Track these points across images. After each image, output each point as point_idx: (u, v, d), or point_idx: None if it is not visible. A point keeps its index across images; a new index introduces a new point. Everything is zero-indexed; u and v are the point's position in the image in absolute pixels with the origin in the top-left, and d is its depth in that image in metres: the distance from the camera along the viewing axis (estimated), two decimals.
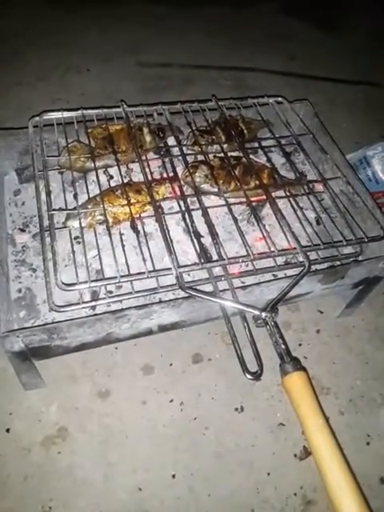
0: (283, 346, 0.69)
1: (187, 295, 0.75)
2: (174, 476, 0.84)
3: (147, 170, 0.90)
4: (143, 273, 0.75)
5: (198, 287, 0.77)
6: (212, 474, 0.85)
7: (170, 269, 0.75)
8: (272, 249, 0.82)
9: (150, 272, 0.75)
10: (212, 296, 0.76)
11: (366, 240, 0.85)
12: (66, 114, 0.96)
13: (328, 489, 0.57)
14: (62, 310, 0.71)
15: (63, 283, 0.72)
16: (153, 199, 0.84)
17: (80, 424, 0.87)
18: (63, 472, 0.82)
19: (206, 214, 0.88)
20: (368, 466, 0.90)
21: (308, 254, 0.81)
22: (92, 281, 0.74)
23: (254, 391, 0.96)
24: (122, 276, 0.74)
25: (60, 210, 0.86)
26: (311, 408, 0.60)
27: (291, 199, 0.92)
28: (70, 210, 0.86)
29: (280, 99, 1.11)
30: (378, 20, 1.98)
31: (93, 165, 0.90)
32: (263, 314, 0.71)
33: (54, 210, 0.82)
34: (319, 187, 0.98)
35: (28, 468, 0.82)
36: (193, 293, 0.73)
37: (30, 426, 0.86)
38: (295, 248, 0.82)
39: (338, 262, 0.92)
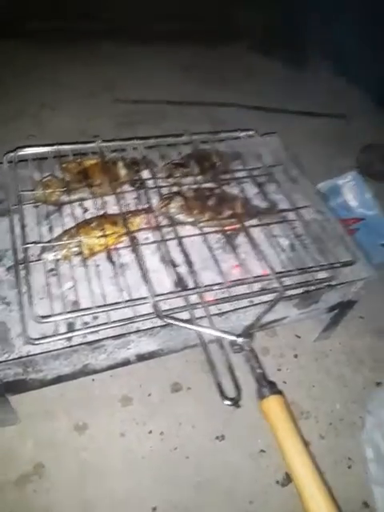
0: (259, 371, 0.69)
1: (164, 323, 0.76)
2: (154, 509, 0.82)
3: (122, 202, 0.93)
4: (119, 302, 0.76)
5: (174, 315, 0.78)
6: (193, 505, 0.83)
7: (146, 297, 0.76)
8: (247, 276, 0.84)
9: (125, 301, 0.76)
10: (188, 323, 0.77)
11: (337, 265, 0.88)
12: (42, 150, 0.99)
13: (303, 502, 0.57)
14: (37, 342, 0.71)
15: (38, 316, 0.72)
16: (128, 230, 0.85)
17: (57, 460, 0.85)
18: None
19: (181, 244, 0.90)
20: (350, 489, 0.90)
21: (282, 279, 0.83)
22: (67, 312, 0.74)
23: (235, 418, 0.95)
24: (97, 306, 0.75)
25: (35, 243, 0.87)
26: (289, 431, 0.61)
27: (264, 227, 0.95)
28: (45, 242, 0.87)
29: (251, 133, 1.16)
30: (340, 59, 2.10)
31: (67, 198, 0.92)
32: (239, 340, 0.72)
33: (29, 243, 0.83)
34: (292, 215, 1.01)
35: (1, 509, 0.79)
36: (169, 321, 0.74)
37: (5, 464, 0.84)
38: (269, 274, 0.84)
39: (312, 287, 0.95)
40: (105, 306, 0.77)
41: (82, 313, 0.76)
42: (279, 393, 0.68)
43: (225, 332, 0.75)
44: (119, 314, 0.80)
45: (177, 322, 0.75)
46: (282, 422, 0.63)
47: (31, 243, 0.83)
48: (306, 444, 0.89)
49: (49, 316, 0.74)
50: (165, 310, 0.78)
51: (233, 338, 0.73)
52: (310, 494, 0.57)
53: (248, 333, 0.74)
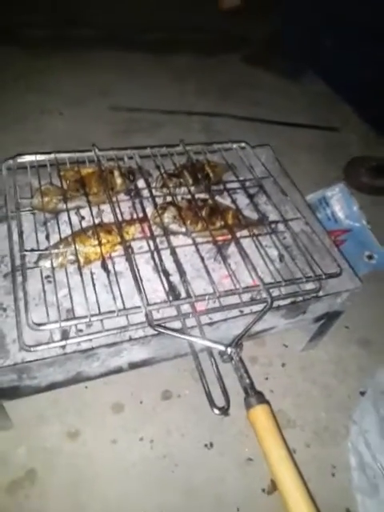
0: (247, 381, 0.72)
1: (156, 332, 0.77)
2: None
3: (118, 210, 0.94)
4: (113, 311, 0.77)
5: (166, 324, 0.80)
6: (182, 511, 0.85)
7: (139, 307, 0.78)
8: (237, 286, 0.86)
9: (119, 310, 0.77)
10: (180, 333, 0.78)
11: (324, 277, 0.91)
12: (39, 157, 1.00)
13: (287, 507, 0.58)
14: (32, 349, 0.72)
15: (34, 323, 0.74)
16: (123, 239, 0.87)
17: (49, 466, 0.86)
18: None
19: (174, 253, 0.92)
20: (334, 497, 0.92)
21: (271, 290, 0.85)
22: (62, 320, 0.75)
23: (223, 427, 0.97)
24: (92, 315, 0.76)
25: (32, 250, 0.88)
26: (274, 440, 0.63)
27: (255, 238, 0.97)
28: (42, 250, 0.88)
29: (243, 144, 1.19)
30: (333, 74, 2.14)
31: (65, 206, 0.93)
32: (228, 350, 0.74)
33: (26, 250, 0.84)
34: (281, 227, 1.04)
35: None
36: (161, 330, 0.76)
37: None
38: (259, 285, 0.86)
39: (300, 298, 0.97)
40: (99, 314, 0.79)
41: (77, 321, 0.77)
42: (266, 403, 0.70)
43: (214, 342, 0.77)
44: (113, 323, 0.82)
45: (168, 332, 0.77)
46: (268, 431, 0.65)
47: (28, 250, 0.85)
48: (292, 452, 0.93)
49: (44, 324, 0.75)
50: (157, 320, 0.80)
51: (222, 347, 0.75)
52: (294, 502, 0.59)
53: (237, 343, 0.76)
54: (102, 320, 0.78)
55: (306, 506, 0.59)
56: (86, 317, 0.75)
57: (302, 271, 0.94)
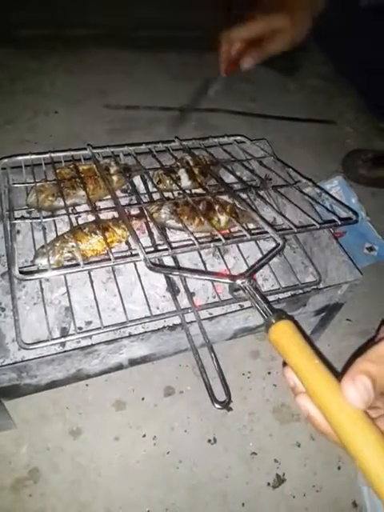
0: (265, 304, 0.60)
1: (156, 329, 0.77)
2: None
3: (114, 207, 0.94)
4: (109, 259, 0.73)
5: (165, 320, 0.79)
6: (187, 508, 0.84)
7: (139, 255, 0.73)
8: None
9: (116, 258, 0.74)
10: (180, 271, 0.78)
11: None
12: (34, 157, 0.99)
13: (338, 429, 0.45)
14: (31, 347, 0.72)
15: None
16: (132, 229, 0.85)
17: (52, 464, 0.86)
18: None
19: (171, 249, 0.91)
20: (341, 490, 0.91)
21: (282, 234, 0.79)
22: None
23: (226, 422, 0.96)
24: (85, 263, 0.72)
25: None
26: (305, 351, 0.51)
27: (253, 232, 0.97)
28: (39, 248, 0.87)
29: (239, 138, 1.18)
30: (328, 66, 2.13)
31: (61, 203, 0.93)
32: (238, 282, 0.65)
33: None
34: (280, 220, 1.03)
35: None
36: (161, 269, 0.75)
37: (0, 469, 0.84)
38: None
39: (300, 291, 0.97)
40: (94, 263, 0.75)
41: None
42: (289, 318, 0.56)
43: (221, 276, 0.71)
44: (112, 319, 0.81)
45: (167, 271, 0.78)
46: (295, 344, 0.52)
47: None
48: (297, 445, 0.93)
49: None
50: (156, 315, 0.79)
51: (230, 281, 0.66)
52: (337, 406, 0.43)
53: (248, 275, 0.66)
54: (100, 317, 0.77)
55: (354, 411, 0.44)
56: (78, 264, 0.71)
57: (301, 263, 0.93)
